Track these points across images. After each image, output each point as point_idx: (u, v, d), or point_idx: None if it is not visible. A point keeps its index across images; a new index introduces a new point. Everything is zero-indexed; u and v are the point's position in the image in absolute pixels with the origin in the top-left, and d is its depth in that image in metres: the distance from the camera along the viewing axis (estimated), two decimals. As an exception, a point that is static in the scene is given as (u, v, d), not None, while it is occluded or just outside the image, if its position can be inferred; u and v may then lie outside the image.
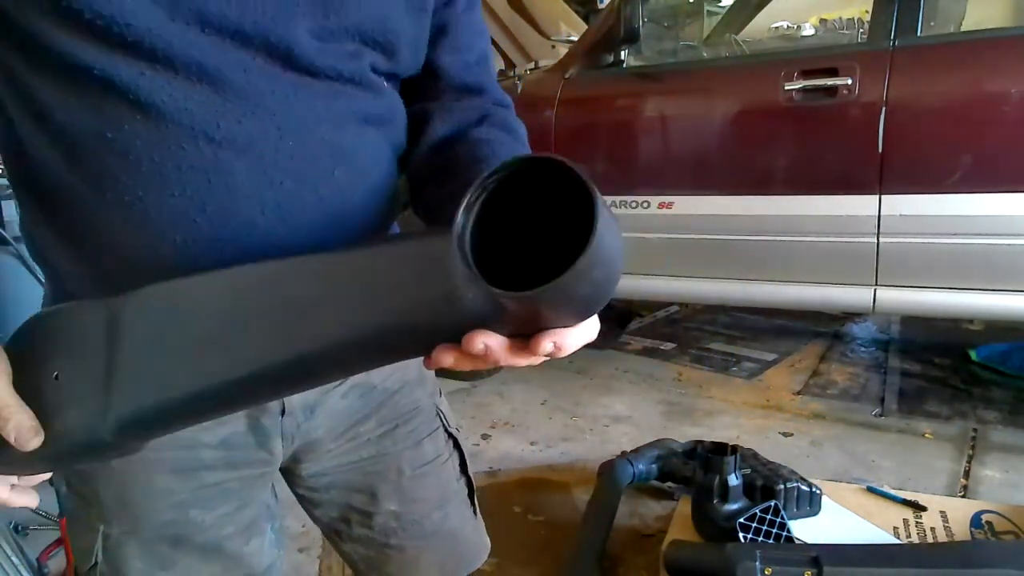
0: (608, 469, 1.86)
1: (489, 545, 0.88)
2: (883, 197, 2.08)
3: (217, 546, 0.69)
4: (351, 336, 0.46)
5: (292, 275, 0.49)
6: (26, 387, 0.51)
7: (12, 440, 0.49)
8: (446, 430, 0.84)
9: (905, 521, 1.56)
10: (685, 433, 2.31)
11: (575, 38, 3.01)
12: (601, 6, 4.59)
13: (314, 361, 0.48)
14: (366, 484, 0.78)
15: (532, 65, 2.91)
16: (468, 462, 0.85)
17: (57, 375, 0.51)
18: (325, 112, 0.58)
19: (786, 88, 2.17)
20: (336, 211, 0.60)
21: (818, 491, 1.59)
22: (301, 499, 0.80)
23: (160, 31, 0.50)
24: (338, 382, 0.73)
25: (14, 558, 1.36)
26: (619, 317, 3.67)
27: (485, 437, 2.41)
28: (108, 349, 0.51)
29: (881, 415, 2.51)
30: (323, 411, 0.74)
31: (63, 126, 0.53)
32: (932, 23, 2.28)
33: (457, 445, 0.85)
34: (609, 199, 2.51)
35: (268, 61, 0.55)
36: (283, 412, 0.70)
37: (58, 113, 0.53)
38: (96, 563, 0.67)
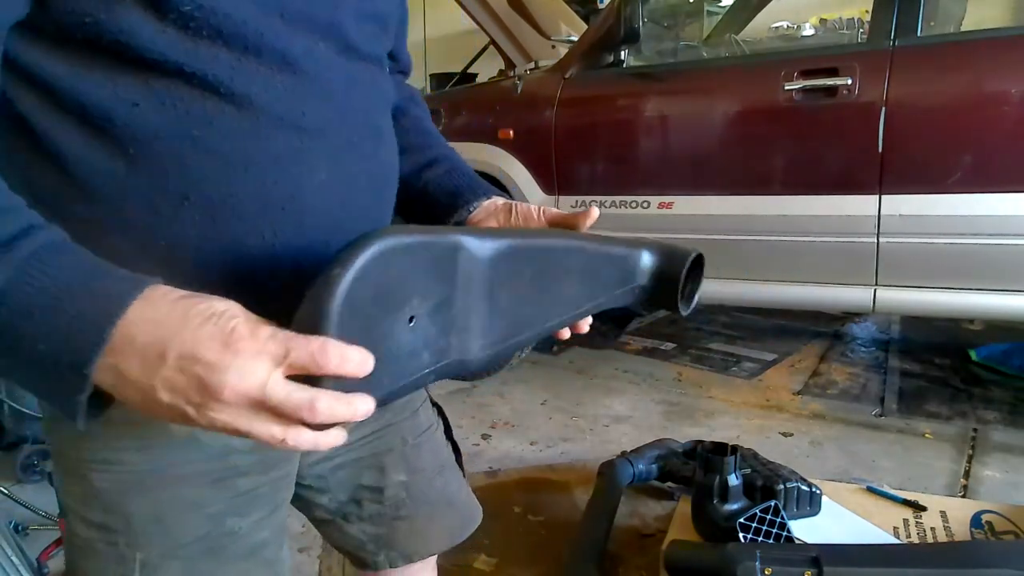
0: (608, 469, 1.86)
1: (481, 508, 0.91)
2: (883, 197, 2.08)
3: (253, 552, 0.67)
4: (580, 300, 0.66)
5: (568, 250, 0.64)
6: (369, 327, 0.44)
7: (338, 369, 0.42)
8: (431, 399, 0.88)
9: (905, 521, 1.56)
10: (685, 433, 2.31)
11: (575, 38, 3.00)
12: (601, 6, 4.59)
13: (560, 312, 0.65)
14: (374, 459, 0.79)
15: (532, 65, 2.91)
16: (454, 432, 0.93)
17: (413, 319, 0.48)
18: (368, 95, 0.63)
19: (786, 88, 2.17)
20: (377, 189, 0.65)
21: (818, 491, 1.59)
22: (307, 490, 0.78)
23: (254, 22, 0.52)
24: None
25: (14, 558, 1.36)
26: (619, 317, 3.67)
27: (485, 437, 2.41)
28: (462, 291, 0.51)
29: (881, 415, 2.51)
30: None
31: (131, 134, 0.51)
32: (932, 23, 2.28)
33: (441, 412, 0.90)
34: (609, 199, 2.51)
35: (328, 45, 0.58)
36: None
37: (125, 120, 0.51)
38: None
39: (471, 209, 0.74)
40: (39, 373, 0.43)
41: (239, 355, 0.41)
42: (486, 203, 0.75)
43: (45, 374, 0.43)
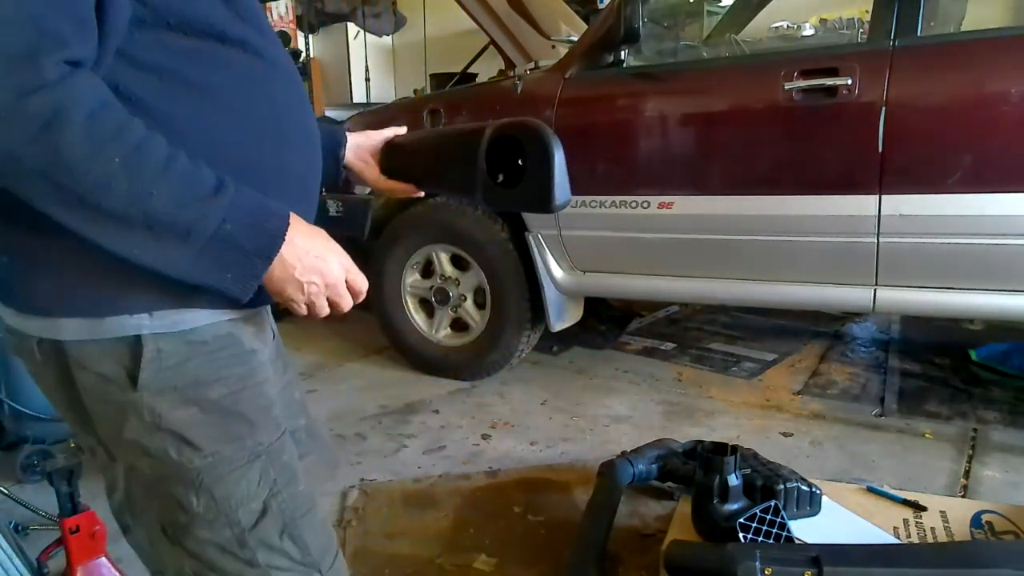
0: (608, 469, 1.86)
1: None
2: (883, 197, 2.08)
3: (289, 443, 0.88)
4: None
5: None
6: None
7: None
8: None
9: (905, 521, 1.56)
10: (685, 433, 2.31)
11: (575, 38, 3.00)
12: (601, 6, 4.59)
13: None
14: (288, 410, 0.95)
15: (532, 65, 2.90)
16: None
17: None
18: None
19: (786, 88, 2.17)
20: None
21: (818, 491, 1.59)
22: None
23: (254, 6, 0.78)
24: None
25: (14, 558, 1.36)
26: (619, 317, 3.67)
27: (485, 437, 2.41)
28: None
29: (881, 415, 2.51)
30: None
31: (219, 90, 0.74)
32: (932, 23, 2.28)
33: None
34: (609, 199, 2.51)
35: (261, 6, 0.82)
36: (274, 335, 0.95)
37: (216, 82, 0.74)
38: (275, 482, 0.82)
39: (345, 144, 1.05)
40: (236, 262, 0.70)
41: (338, 263, 0.77)
42: (350, 137, 1.06)
43: (240, 263, 0.70)
